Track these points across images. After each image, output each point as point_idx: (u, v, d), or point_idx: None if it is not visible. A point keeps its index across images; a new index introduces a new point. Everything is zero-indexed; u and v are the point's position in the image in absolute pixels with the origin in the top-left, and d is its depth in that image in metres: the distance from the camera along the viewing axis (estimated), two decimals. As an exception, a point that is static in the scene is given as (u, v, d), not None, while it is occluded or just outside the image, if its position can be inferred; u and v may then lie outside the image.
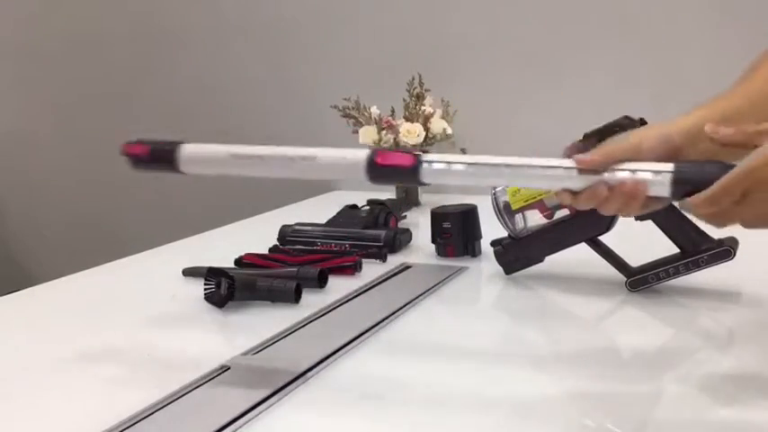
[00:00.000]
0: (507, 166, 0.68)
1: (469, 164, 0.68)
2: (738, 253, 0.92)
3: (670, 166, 0.64)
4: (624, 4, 1.66)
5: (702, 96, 0.72)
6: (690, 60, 1.59)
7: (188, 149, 0.76)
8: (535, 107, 1.76)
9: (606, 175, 0.65)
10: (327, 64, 1.99)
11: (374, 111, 1.66)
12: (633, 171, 0.64)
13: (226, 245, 1.28)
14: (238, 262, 1.15)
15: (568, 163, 0.66)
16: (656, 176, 0.64)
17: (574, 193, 0.67)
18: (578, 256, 1.00)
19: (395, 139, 1.63)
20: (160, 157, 0.77)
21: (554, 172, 0.67)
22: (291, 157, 0.72)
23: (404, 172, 0.69)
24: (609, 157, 0.65)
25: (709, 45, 1.56)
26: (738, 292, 0.97)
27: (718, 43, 1.55)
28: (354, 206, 1.39)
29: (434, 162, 0.68)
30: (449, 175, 0.69)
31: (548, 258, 1.03)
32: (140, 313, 1.00)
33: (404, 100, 1.67)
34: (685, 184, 0.63)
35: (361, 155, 0.70)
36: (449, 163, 0.68)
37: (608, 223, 0.97)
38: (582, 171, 0.65)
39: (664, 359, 0.79)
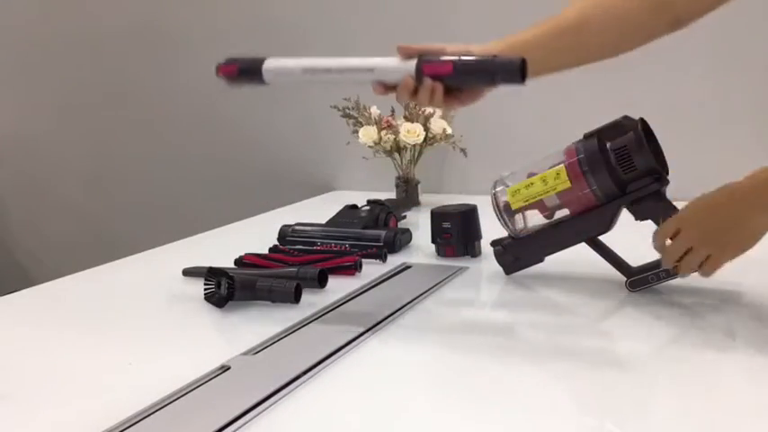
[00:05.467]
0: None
1: None
2: (738, 253, 0.92)
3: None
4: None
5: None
6: (690, 60, 1.59)
7: (269, 65, 0.89)
8: (535, 107, 1.76)
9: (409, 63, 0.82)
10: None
11: (374, 111, 1.66)
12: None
13: (226, 245, 1.28)
14: (238, 262, 1.15)
15: (386, 60, 0.83)
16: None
17: (389, 88, 0.84)
18: (578, 257, 1.00)
19: (395, 139, 1.63)
20: (247, 72, 0.92)
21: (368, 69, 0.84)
22: (353, 68, 0.86)
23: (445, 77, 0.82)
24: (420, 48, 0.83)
25: (708, 43, 1.56)
26: (738, 291, 0.97)
27: (718, 42, 1.55)
28: (354, 206, 1.39)
29: None
30: None
31: (548, 258, 1.03)
32: (140, 313, 1.00)
33: (404, 100, 1.67)
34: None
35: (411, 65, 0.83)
36: None
37: (608, 223, 0.97)
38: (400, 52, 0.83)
39: (664, 359, 0.79)
